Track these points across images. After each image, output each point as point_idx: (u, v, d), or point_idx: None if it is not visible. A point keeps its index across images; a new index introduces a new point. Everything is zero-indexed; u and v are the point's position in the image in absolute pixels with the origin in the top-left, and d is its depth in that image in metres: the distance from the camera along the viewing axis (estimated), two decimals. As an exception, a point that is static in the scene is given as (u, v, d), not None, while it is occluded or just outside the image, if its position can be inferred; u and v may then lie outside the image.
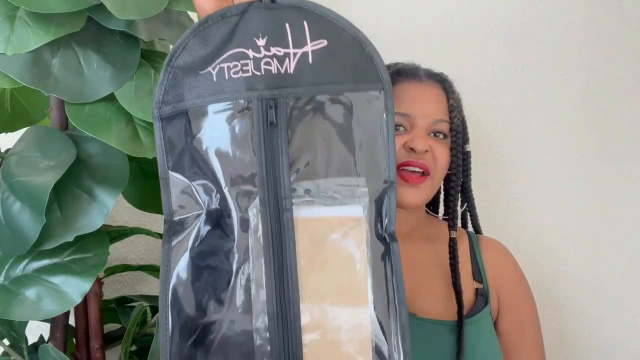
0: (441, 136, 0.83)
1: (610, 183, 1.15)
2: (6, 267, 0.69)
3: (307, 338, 0.56)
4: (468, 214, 0.93)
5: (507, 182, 1.16)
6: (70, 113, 0.68)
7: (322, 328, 0.56)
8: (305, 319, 0.56)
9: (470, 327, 0.79)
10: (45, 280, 0.67)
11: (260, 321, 0.56)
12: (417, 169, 0.80)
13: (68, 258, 0.69)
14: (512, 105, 1.16)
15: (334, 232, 0.57)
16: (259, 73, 0.56)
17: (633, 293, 1.14)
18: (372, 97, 0.57)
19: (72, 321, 0.79)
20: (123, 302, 0.94)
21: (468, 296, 0.82)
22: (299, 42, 0.56)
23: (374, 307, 0.56)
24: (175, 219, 0.59)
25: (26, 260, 0.69)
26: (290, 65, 0.56)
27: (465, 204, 0.92)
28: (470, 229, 0.94)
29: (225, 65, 0.56)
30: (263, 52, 0.56)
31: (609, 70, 1.15)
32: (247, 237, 0.57)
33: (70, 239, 0.66)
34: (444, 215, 0.93)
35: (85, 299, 0.76)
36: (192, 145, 0.58)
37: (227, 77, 0.56)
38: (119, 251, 1.13)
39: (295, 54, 0.56)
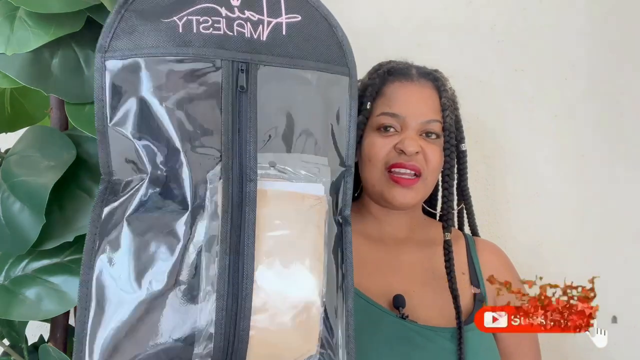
0: (433, 136, 0.82)
1: (610, 183, 1.15)
2: (6, 267, 0.69)
3: (255, 320, 0.50)
4: (465, 213, 0.92)
5: (506, 182, 1.16)
6: (70, 113, 0.68)
7: (272, 310, 0.51)
8: (256, 298, 0.50)
9: (469, 333, 0.77)
10: (45, 280, 0.67)
11: (208, 298, 0.49)
12: (408, 171, 0.79)
13: (68, 258, 0.69)
14: (512, 105, 1.16)
15: (296, 209, 0.52)
16: (231, 33, 0.53)
17: (633, 293, 1.14)
18: (339, 80, 0.56)
19: (72, 321, 0.79)
20: (123, 302, 0.93)
21: (466, 302, 0.81)
22: (274, 12, 0.54)
23: (324, 292, 0.52)
24: (114, 178, 0.53)
25: (26, 260, 0.69)
26: (264, 33, 0.54)
27: (462, 203, 0.91)
28: (467, 229, 0.94)
29: (194, 18, 0.52)
30: (237, 13, 0.53)
31: (609, 70, 1.15)
32: (202, 206, 0.51)
33: (70, 239, 0.66)
34: (439, 212, 0.92)
35: (85, 299, 0.76)
36: (144, 100, 0.52)
37: (195, 31, 0.52)
38: (118, 251, 1.12)
39: (269, 23, 0.54)
